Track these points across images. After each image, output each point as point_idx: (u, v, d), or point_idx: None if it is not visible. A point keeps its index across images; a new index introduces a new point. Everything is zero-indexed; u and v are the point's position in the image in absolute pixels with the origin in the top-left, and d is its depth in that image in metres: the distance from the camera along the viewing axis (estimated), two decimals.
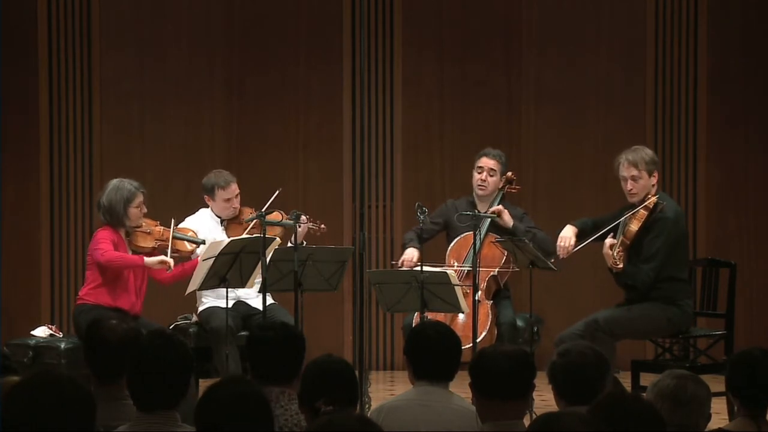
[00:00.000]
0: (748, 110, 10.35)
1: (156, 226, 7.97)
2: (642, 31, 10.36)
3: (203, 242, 7.94)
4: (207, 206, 8.28)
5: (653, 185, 7.60)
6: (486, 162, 8.21)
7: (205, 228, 8.17)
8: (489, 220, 8.05)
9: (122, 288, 7.83)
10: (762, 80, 10.32)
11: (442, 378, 4.72)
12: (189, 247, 7.97)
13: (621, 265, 7.45)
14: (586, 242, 7.67)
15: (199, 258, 7.74)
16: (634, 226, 7.48)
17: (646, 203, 7.51)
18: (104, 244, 7.75)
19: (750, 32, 10.35)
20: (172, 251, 7.87)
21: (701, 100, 10.35)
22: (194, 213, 8.31)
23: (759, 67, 10.32)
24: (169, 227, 7.95)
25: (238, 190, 8.22)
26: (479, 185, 8.21)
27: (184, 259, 8.00)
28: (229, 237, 7.96)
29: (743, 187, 10.37)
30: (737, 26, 10.36)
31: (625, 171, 7.59)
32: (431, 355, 4.71)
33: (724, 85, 10.35)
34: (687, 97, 10.35)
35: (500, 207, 8.15)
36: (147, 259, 7.81)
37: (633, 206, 7.61)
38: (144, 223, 7.93)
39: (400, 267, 7.96)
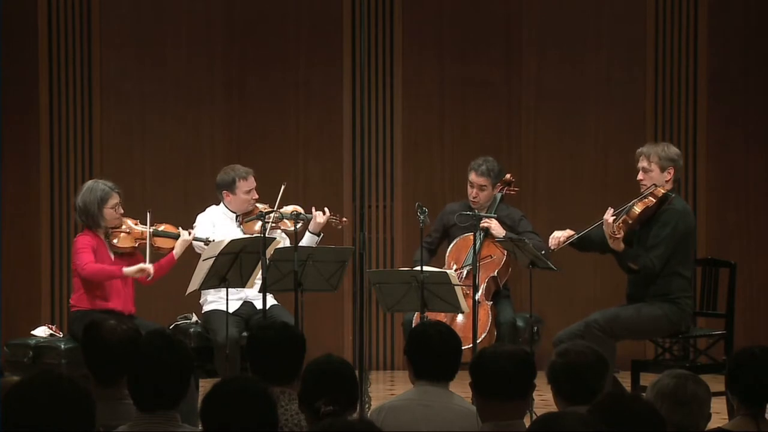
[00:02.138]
0: (748, 110, 10.34)
1: (136, 225, 7.93)
2: (642, 31, 10.36)
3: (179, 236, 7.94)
4: (217, 204, 8.26)
5: (666, 181, 7.60)
6: (475, 179, 8.23)
7: (220, 222, 8.15)
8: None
9: (111, 289, 7.81)
10: (762, 80, 10.32)
11: (442, 378, 4.72)
12: (170, 243, 7.93)
13: (620, 235, 7.41)
14: (584, 233, 7.62)
15: (178, 249, 7.83)
16: (638, 208, 7.49)
17: (654, 191, 7.52)
18: (84, 255, 7.70)
19: (750, 32, 10.34)
20: (154, 249, 7.87)
21: (701, 100, 10.35)
22: (203, 211, 8.28)
23: (759, 67, 10.32)
24: (147, 223, 7.90)
25: (255, 182, 8.23)
26: (472, 200, 8.25)
27: (164, 254, 7.97)
28: (246, 234, 7.94)
29: (743, 187, 10.37)
30: (737, 26, 10.36)
31: (639, 162, 7.63)
32: (432, 355, 4.71)
33: (724, 85, 10.35)
34: (687, 97, 10.35)
35: (489, 221, 8.10)
36: (126, 270, 7.75)
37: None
38: (123, 223, 7.90)
39: None
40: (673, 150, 7.70)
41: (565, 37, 10.39)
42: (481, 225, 8.04)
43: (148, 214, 7.88)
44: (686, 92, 10.34)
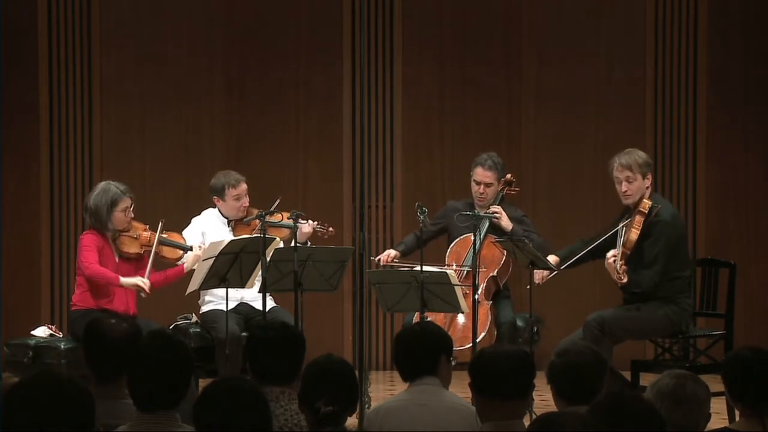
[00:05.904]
0: (748, 110, 10.35)
1: (144, 230, 7.89)
2: (642, 31, 10.36)
3: (191, 248, 7.89)
4: (213, 207, 8.27)
5: (647, 187, 7.64)
6: (482, 175, 8.19)
7: (212, 229, 8.14)
8: (488, 221, 8.06)
9: (113, 289, 7.79)
10: (762, 80, 10.32)
11: (425, 374, 4.72)
12: (176, 253, 7.92)
13: (625, 280, 7.44)
14: (575, 258, 7.69)
15: (181, 258, 7.85)
16: (634, 235, 7.50)
17: (639, 208, 7.53)
18: (88, 253, 7.68)
19: (750, 32, 10.34)
20: (159, 257, 7.85)
21: (701, 100, 10.35)
22: (199, 214, 8.29)
23: (759, 67, 10.32)
24: (158, 231, 7.88)
25: (247, 189, 8.21)
26: (478, 198, 8.22)
27: (170, 264, 7.96)
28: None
29: (743, 187, 10.37)
30: (737, 26, 10.35)
31: (619, 173, 7.65)
32: (409, 356, 4.76)
33: (724, 84, 10.34)
34: (687, 97, 10.34)
35: (499, 207, 8.15)
36: (123, 280, 7.74)
37: (627, 213, 7.62)
38: (132, 228, 7.86)
39: (376, 262, 8.09)
40: (644, 154, 7.76)
41: (565, 37, 10.39)
42: (491, 210, 8.05)
43: (160, 223, 7.85)
44: (686, 92, 10.34)
